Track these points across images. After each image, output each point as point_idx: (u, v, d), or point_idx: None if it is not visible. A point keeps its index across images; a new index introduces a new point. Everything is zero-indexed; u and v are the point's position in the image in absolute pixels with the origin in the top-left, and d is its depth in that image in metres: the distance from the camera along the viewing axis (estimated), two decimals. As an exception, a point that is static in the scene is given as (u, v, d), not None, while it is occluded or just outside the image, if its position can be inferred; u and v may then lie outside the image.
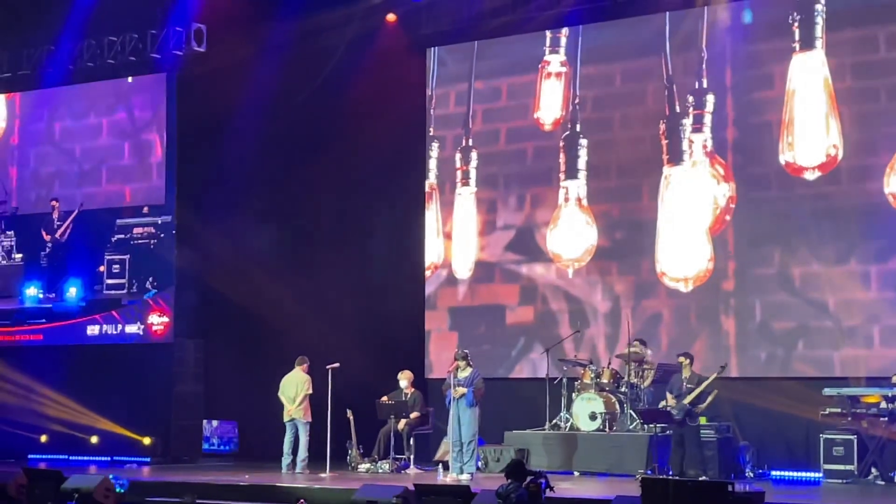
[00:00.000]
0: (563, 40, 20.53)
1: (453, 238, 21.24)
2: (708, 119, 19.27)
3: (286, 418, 18.38)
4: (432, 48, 21.59)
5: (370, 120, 21.15)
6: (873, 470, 16.84)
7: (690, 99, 19.41)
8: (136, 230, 22.14)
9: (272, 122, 21.36)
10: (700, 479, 15.71)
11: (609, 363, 18.80)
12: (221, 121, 21.08)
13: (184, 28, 20.99)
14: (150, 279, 21.90)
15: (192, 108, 21.54)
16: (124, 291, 22.15)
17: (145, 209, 22.07)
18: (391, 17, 21.45)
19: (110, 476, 14.74)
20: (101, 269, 22.38)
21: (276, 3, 20.84)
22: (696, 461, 16.80)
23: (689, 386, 16.94)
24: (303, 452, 18.25)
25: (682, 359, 17.19)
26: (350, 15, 21.00)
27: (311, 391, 18.29)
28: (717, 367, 17.05)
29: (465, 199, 21.25)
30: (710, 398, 16.96)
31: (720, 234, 19.05)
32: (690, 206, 19.30)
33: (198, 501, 15.10)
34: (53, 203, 22.98)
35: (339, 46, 21.29)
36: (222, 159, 21.18)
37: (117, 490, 14.45)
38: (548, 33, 20.59)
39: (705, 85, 19.31)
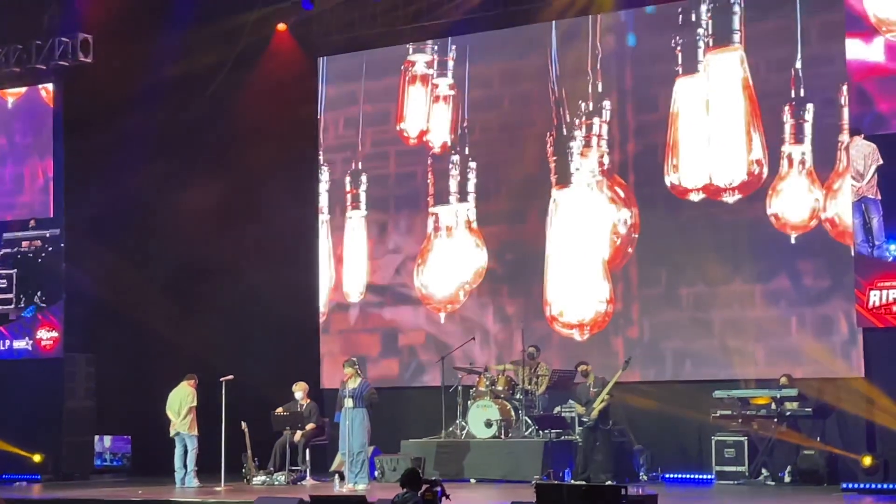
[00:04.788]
0: (451, 63, 20.70)
1: (344, 262, 21.28)
2: (594, 142, 19.51)
3: (172, 432, 18.25)
4: (321, 58, 21.61)
5: (263, 135, 21.12)
6: (764, 471, 17.17)
7: (577, 122, 19.63)
8: (23, 244, 21.72)
9: (162, 136, 21.10)
10: (607, 483, 15.86)
11: (504, 370, 18.88)
12: (110, 133, 20.72)
13: (70, 38, 20.63)
14: (39, 293, 21.51)
15: (80, 119, 21.17)
16: (12, 306, 21.71)
17: (32, 222, 21.67)
18: (282, 26, 21.40)
19: None
20: (-12, 283, 21.94)
21: (164, 12, 20.60)
22: (607, 465, 16.96)
23: (595, 390, 17.07)
24: (191, 465, 18.12)
25: (584, 367, 17.32)
26: (241, 25, 20.90)
27: (195, 404, 18.15)
28: (615, 372, 17.24)
29: (356, 222, 21.32)
30: (600, 404, 17.04)
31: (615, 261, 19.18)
32: (579, 228, 19.46)
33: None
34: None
35: (230, 58, 21.16)
36: (111, 172, 20.83)
37: None
38: (435, 57, 20.71)
39: (591, 108, 19.56)
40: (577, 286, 19.41)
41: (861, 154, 17.04)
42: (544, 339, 19.28)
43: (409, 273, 20.81)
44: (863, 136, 17.03)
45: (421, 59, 20.87)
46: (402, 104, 21.06)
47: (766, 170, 18.24)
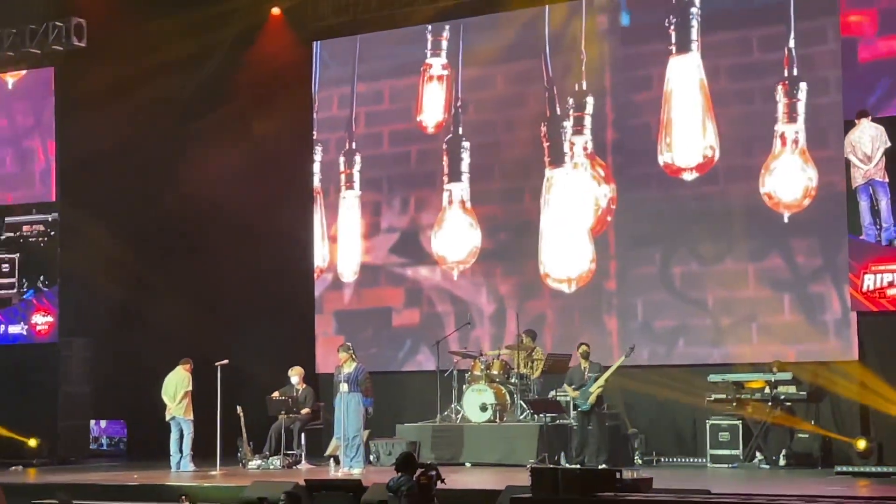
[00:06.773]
0: (445, 43, 20.61)
1: (338, 241, 21.26)
2: (588, 121, 19.46)
3: (168, 417, 18.24)
4: (316, 42, 21.55)
5: (258, 117, 21.07)
6: (758, 454, 17.17)
7: (570, 101, 19.58)
8: (25, 228, 21.72)
9: (159, 119, 21.10)
10: (602, 467, 15.85)
11: (499, 355, 18.86)
12: (106, 116, 20.71)
13: (63, 23, 20.57)
14: (42, 278, 21.51)
15: (78, 102, 21.16)
16: (14, 291, 21.71)
17: (33, 208, 21.68)
18: (276, 10, 21.35)
19: None
20: (-9, 268, 21.93)
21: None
22: (602, 448, 16.94)
23: (590, 375, 16.97)
24: (186, 449, 18.11)
25: (585, 347, 17.18)
26: (235, 9, 20.86)
27: (190, 388, 18.14)
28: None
29: (350, 202, 21.27)
30: (597, 390, 17.02)
31: (602, 234, 19.26)
32: (572, 207, 19.47)
33: (87, 502, 14.87)
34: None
35: (225, 41, 21.13)
36: (108, 156, 20.82)
37: None
38: (429, 36, 20.66)
39: (585, 87, 19.49)
40: (566, 249, 19.50)
41: (868, 136, 17.02)
42: (537, 291, 19.52)
43: (403, 253, 20.74)
44: (870, 118, 17.00)
45: (416, 42, 20.76)
46: (396, 85, 20.97)
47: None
